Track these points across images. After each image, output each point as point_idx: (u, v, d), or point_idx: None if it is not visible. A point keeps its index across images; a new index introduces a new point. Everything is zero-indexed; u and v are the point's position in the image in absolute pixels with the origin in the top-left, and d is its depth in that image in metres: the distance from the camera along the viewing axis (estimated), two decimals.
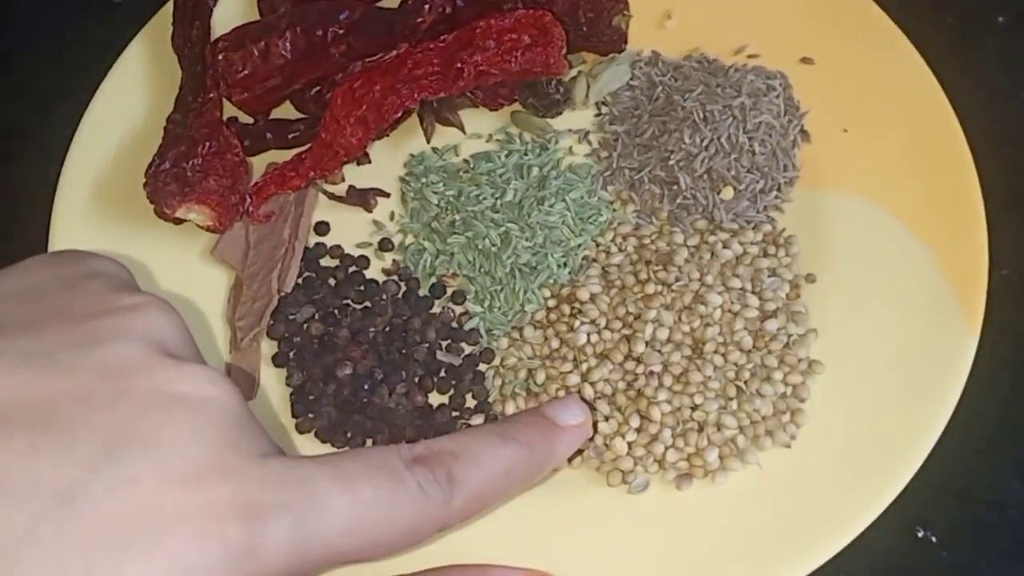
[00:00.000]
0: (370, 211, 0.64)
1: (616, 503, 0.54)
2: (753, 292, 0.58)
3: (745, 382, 0.55)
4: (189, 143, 0.59)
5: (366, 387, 0.57)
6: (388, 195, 0.65)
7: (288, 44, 0.62)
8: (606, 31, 0.67)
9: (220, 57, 0.62)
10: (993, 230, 0.58)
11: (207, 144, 0.58)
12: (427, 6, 0.61)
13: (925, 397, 0.54)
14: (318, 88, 0.64)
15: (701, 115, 0.63)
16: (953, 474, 0.56)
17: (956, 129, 0.61)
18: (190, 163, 0.58)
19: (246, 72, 0.62)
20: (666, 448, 0.54)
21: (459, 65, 0.61)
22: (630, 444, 0.54)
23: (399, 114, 0.61)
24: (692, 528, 0.52)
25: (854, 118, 0.64)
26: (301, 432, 0.56)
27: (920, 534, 0.56)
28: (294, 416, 0.57)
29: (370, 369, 0.57)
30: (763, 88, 0.64)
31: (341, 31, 0.62)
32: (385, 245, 0.63)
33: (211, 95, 0.62)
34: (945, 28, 0.70)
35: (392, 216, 0.64)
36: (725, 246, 0.60)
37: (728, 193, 0.62)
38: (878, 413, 0.54)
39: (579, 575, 0.51)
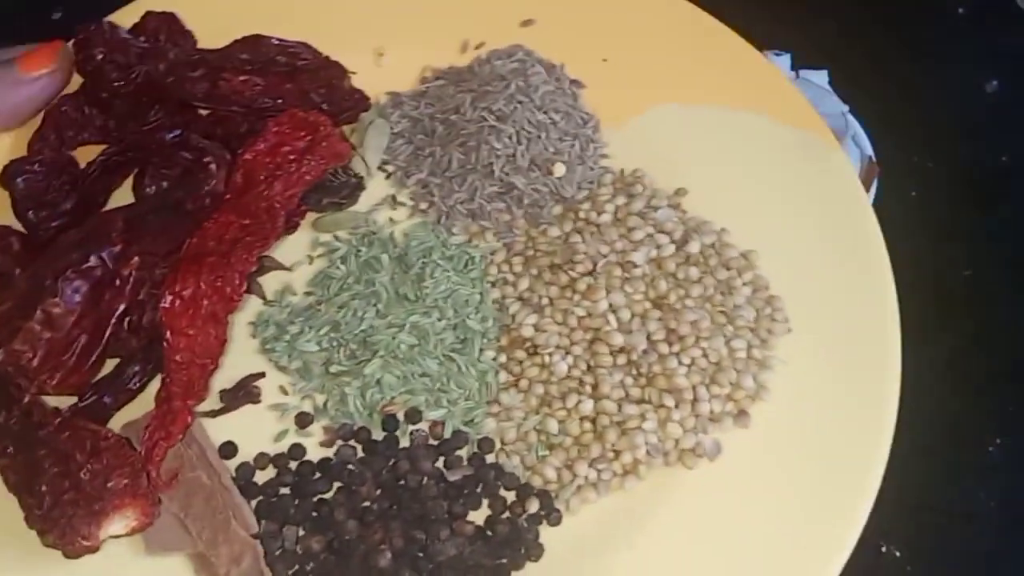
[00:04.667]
0: (259, 401, 0.56)
1: (706, 478, 0.52)
2: (657, 232, 0.58)
3: (722, 304, 0.55)
4: (55, 460, 0.47)
5: (420, 554, 0.50)
6: (263, 374, 0.57)
7: (70, 294, 0.51)
8: (346, 98, 0.63)
9: None
10: (957, 228, 0.58)
11: (82, 448, 0.47)
12: (213, 165, 0.53)
13: (851, 244, 0.57)
14: (128, 318, 0.54)
15: (493, 118, 0.61)
16: (913, 485, 0.55)
17: (690, 6, 0.65)
18: (82, 478, 0.46)
19: (41, 353, 0.51)
20: (709, 401, 0.53)
21: (264, 204, 0.55)
22: (680, 421, 0.53)
23: (244, 287, 0.53)
24: (772, 452, 0.53)
25: (605, 48, 0.65)
26: None
27: (884, 549, 0.56)
28: None
29: (407, 537, 0.50)
30: (516, 66, 0.64)
31: (118, 247, 0.53)
32: (304, 420, 0.55)
33: (26, 399, 0.50)
34: (906, 18, 0.70)
35: (284, 390, 0.56)
36: (598, 213, 0.60)
37: (560, 169, 0.62)
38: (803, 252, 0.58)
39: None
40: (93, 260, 0.52)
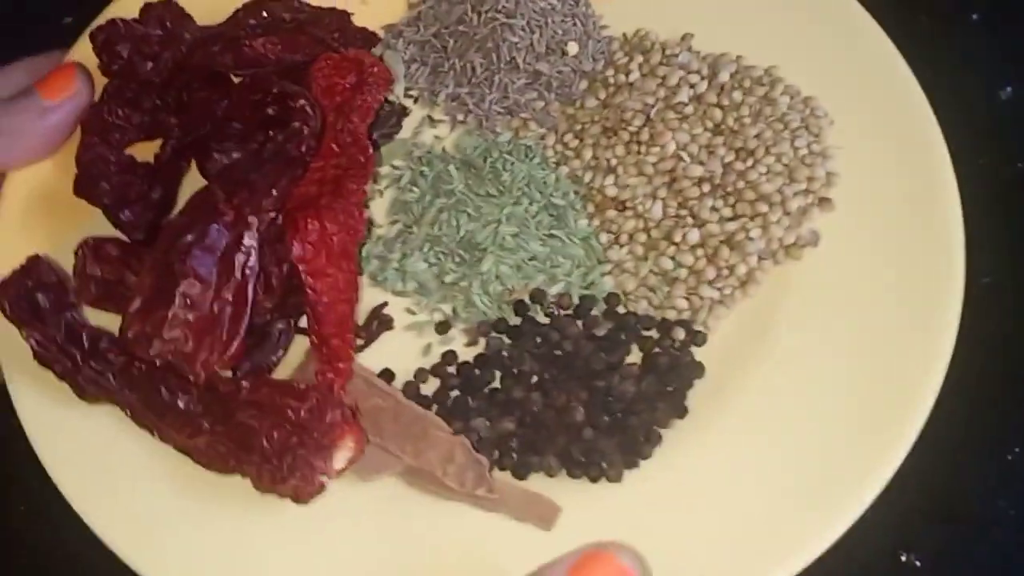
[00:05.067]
0: (392, 327, 0.58)
1: (813, 265, 0.58)
2: (689, 72, 0.63)
3: (771, 114, 0.61)
4: (267, 417, 0.49)
5: (610, 397, 0.54)
6: (386, 303, 0.59)
7: (203, 270, 0.52)
8: (358, 34, 0.65)
9: (151, 349, 0.51)
10: (974, 236, 0.57)
11: (290, 397, 0.49)
12: (308, 107, 0.54)
13: (856, 43, 0.63)
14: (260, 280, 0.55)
15: (503, 16, 0.65)
16: (932, 494, 0.55)
17: None
18: (303, 422, 0.48)
19: (193, 334, 0.52)
20: (794, 198, 0.59)
21: (349, 139, 0.57)
22: (777, 222, 0.58)
23: (365, 217, 0.55)
24: None
25: None
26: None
27: (904, 558, 0.56)
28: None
29: (589, 389, 0.55)
30: None
31: (230, 216, 0.53)
32: (443, 328, 0.58)
33: (201, 378, 0.51)
34: (919, 25, 0.68)
35: (411, 311, 0.59)
36: (626, 75, 0.64)
37: (573, 47, 0.66)
38: None
39: None
40: (212, 235, 0.53)
